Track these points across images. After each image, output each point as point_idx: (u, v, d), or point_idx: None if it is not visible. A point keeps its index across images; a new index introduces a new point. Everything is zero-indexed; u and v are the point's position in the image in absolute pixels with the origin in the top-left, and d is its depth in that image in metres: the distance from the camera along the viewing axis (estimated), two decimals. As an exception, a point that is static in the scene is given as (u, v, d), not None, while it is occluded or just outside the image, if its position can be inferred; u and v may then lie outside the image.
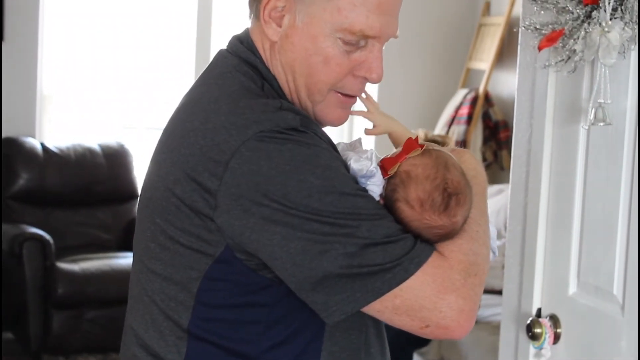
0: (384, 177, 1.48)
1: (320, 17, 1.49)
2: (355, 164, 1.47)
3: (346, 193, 1.40)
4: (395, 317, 1.43)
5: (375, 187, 1.47)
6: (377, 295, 1.40)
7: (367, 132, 1.75)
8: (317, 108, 1.55)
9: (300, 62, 1.52)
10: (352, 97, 1.58)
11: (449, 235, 1.47)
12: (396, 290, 1.40)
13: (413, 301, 1.40)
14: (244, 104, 1.45)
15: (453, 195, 1.47)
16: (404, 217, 1.46)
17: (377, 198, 1.47)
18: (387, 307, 1.41)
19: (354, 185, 1.43)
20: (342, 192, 1.40)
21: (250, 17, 1.60)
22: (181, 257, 1.47)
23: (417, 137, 1.52)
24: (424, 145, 1.51)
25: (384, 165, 1.49)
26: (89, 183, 5.54)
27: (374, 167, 1.46)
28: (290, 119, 1.43)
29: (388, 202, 1.47)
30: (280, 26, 1.52)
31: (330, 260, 1.38)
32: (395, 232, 1.41)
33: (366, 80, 1.55)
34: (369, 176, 1.46)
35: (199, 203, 1.42)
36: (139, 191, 5.69)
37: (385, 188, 1.48)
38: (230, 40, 1.61)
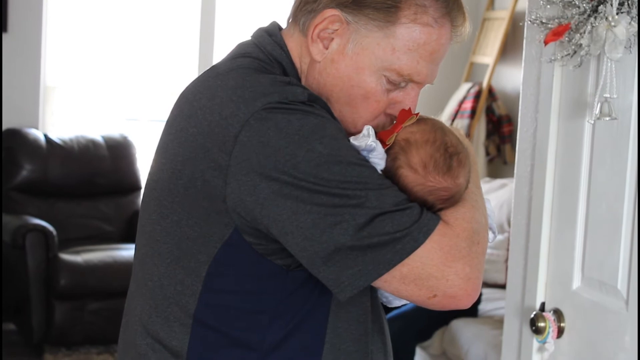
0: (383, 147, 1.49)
1: (372, 51, 1.49)
2: (354, 141, 1.47)
3: (353, 163, 1.40)
4: (402, 287, 1.42)
5: (377, 160, 1.47)
6: (388, 267, 1.40)
7: None
8: None
9: (340, 89, 1.51)
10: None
11: (452, 198, 1.48)
12: (405, 259, 1.40)
13: (420, 269, 1.40)
14: (251, 78, 1.45)
15: (454, 155, 1.48)
16: (408, 182, 1.46)
17: (379, 172, 1.47)
18: (395, 276, 1.41)
19: (359, 156, 1.44)
20: (349, 161, 1.39)
21: (289, 20, 1.58)
22: (189, 240, 1.46)
23: (409, 108, 1.53)
24: (418, 113, 1.52)
25: (381, 137, 1.49)
26: (92, 175, 5.55)
27: (372, 140, 1.46)
28: (299, 92, 1.43)
29: (389, 172, 1.47)
30: (326, 48, 1.51)
31: (342, 232, 1.38)
32: (402, 201, 1.41)
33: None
34: (370, 150, 1.46)
35: (209, 182, 1.41)
36: (142, 183, 5.66)
37: (385, 160, 1.48)
38: (256, 32, 1.60)
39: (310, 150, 1.38)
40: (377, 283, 1.43)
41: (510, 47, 5.80)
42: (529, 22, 2.04)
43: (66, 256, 5.00)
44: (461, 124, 5.75)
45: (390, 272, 1.40)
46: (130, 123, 6.06)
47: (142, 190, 1.63)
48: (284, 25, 1.61)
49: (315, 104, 1.44)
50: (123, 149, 5.66)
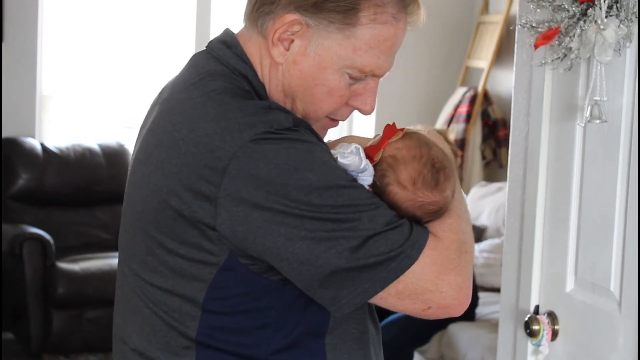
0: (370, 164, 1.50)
1: (334, 51, 1.50)
2: (342, 160, 1.48)
3: (342, 186, 1.41)
4: (398, 302, 1.44)
5: (366, 177, 1.48)
6: (384, 284, 1.42)
7: None
8: None
9: (304, 89, 1.52)
10: (337, 121, 1.60)
11: (440, 211, 1.50)
12: (400, 277, 1.42)
13: (415, 285, 1.43)
14: (232, 106, 1.44)
15: (441, 170, 1.50)
16: (397, 199, 1.48)
17: (367, 188, 1.49)
18: (391, 293, 1.43)
19: (347, 177, 1.45)
20: (338, 185, 1.41)
21: (244, 21, 1.58)
22: (182, 270, 1.46)
23: (394, 123, 1.55)
24: (403, 129, 1.54)
25: (368, 153, 1.50)
26: (89, 183, 5.55)
27: (364, 164, 1.48)
28: (283, 119, 1.43)
29: (377, 188, 1.49)
30: (287, 50, 1.51)
31: (337, 256, 1.39)
32: (393, 219, 1.43)
33: (356, 109, 1.58)
34: (360, 171, 1.48)
35: (197, 213, 1.41)
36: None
37: (373, 176, 1.50)
38: (213, 44, 1.58)
39: (300, 178, 1.39)
40: (373, 300, 1.45)
41: (504, 51, 5.81)
42: (520, 26, 2.05)
43: (64, 265, 5.00)
44: (457, 128, 5.76)
45: (385, 289, 1.43)
46: (126, 131, 6.07)
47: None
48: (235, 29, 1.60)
49: (300, 128, 1.45)
50: (119, 157, 5.66)
